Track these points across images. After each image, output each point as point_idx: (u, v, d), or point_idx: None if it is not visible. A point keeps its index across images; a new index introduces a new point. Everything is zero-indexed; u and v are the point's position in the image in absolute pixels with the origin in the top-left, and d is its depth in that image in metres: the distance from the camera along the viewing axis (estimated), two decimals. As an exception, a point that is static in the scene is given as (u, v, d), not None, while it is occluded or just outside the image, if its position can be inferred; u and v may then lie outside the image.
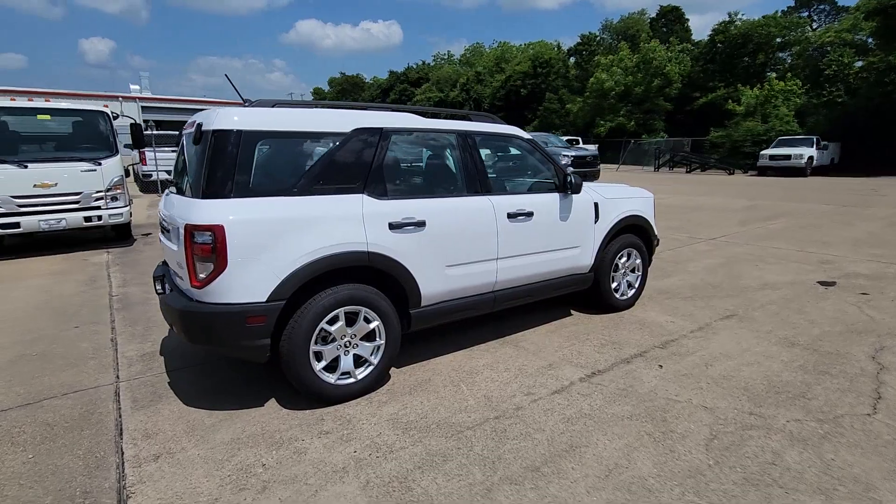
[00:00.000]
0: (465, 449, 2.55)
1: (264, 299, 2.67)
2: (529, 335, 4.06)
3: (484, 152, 3.79)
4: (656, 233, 4.83)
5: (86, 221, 7.45)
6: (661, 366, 3.49)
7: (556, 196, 3.92)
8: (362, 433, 2.71)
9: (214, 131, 2.68)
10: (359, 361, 3.07)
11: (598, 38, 43.72)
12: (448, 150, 3.53)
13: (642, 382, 3.25)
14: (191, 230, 2.58)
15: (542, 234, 3.84)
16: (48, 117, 7.44)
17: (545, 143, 16.59)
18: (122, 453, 2.55)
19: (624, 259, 4.54)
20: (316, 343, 2.86)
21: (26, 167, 6.98)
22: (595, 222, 4.22)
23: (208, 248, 2.57)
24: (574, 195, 4.05)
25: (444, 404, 3.00)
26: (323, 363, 2.91)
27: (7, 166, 6.86)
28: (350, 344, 3.01)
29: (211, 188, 2.65)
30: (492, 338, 4.00)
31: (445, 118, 3.65)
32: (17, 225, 6.94)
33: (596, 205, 4.22)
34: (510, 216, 3.61)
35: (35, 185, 7.03)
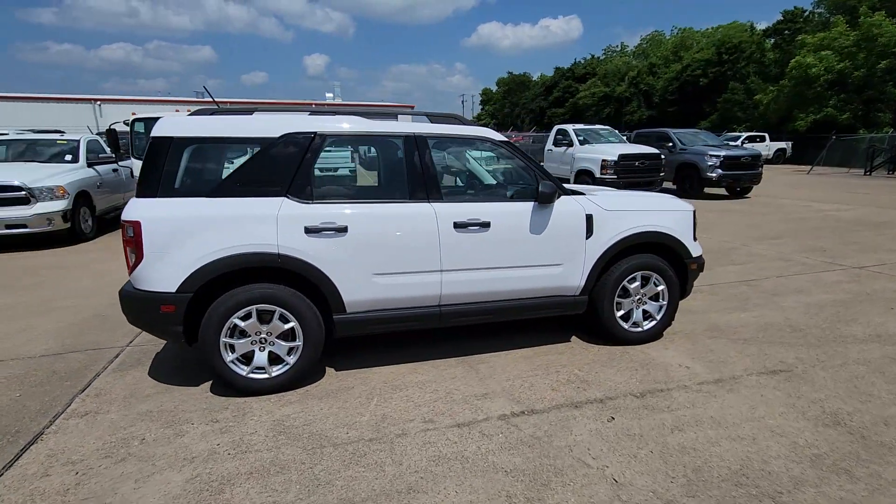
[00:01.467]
0: (307, 465, 2.47)
1: (174, 290, 2.94)
2: (496, 358, 3.68)
3: (474, 154, 3.56)
4: (695, 254, 3.92)
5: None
6: (612, 418, 2.86)
7: (527, 205, 3.46)
8: (241, 428, 2.80)
9: (152, 138, 3.03)
10: (276, 359, 3.17)
11: (808, 13, 36.27)
12: (390, 154, 3.39)
13: (568, 434, 2.71)
14: (123, 224, 2.97)
15: (504, 247, 3.43)
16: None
17: (691, 139, 14.44)
18: (69, 406, 3.08)
19: (637, 284, 3.80)
20: (228, 336, 3.04)
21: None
22: (587, 237, 3.61)
23: (132, 240, 2.93)
24: (558, 205, 3.53)
25: (338, 416, 2.93)
26: (234, 355, 3.08)
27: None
28: (266, 341, 3.13)
29: (141, 188, 3.00)
30: (453, 355, 3.73)
31: (406, 119, 3.50)
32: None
33: (589, 217, 3.60)
34: (458, 226, 3.31)
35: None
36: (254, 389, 3.14)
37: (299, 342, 3.16)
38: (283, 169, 3.11)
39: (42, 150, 9.14)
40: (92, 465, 2.49)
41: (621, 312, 3.81)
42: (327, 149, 3.23)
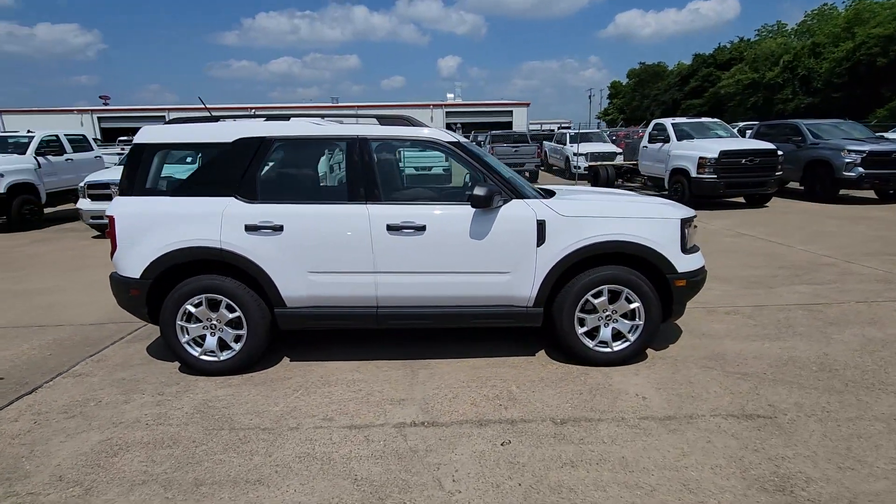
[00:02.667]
0: (195, 444, 2.69)
1: (138, 276, 3.38)
2: (442, 365, 3.58)
3: (443, 155, 3.51)
4: (682, 268, 3.39)
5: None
6: (507, 442, 2.64)
7: (468, 209, 3.29)
8: (174, 403, 3.14)
9: (132, 144, 3.51)
10: (225, 345, 3.48)
11: None
12: (333, 157, 3.46)
13: (449, 452, 2.58)
14: (108, 218, 3.49)
15: (441, 251, 3.32)
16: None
17: (828, 131, 12.07)
18: (73, 367, 3.71)
19: (603, 299, 3.40)
20: (182, 320, 3.42)
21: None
22: (539, 245, 3.32)
23: (110, 232, 3.43)
24: (506, 209, 3.32)
25: (257, 403, 3.12)
26: (187, 337, 3.44)
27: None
28: (216, 327, 3.45)
29: (121, 187, 3.49)
30: (406, 357, 3.71)
31: (353, 122, 3.56)
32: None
33: (541, 223, 3.32)
34: (391, 228, 3.28)
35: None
36: (204, 370, 3.48)
37: (244, 331, 3.42)
38: (233, 171, 3.38)
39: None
40: (49, 418, 3.00)
41: (583, 329, 3.45)
42: (276, 152, 3.43)
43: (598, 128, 33.68)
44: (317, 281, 3.37)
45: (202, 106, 4.00)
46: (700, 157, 10.70)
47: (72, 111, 45.67)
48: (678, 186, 11.31)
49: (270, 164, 3.43)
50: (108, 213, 3.44)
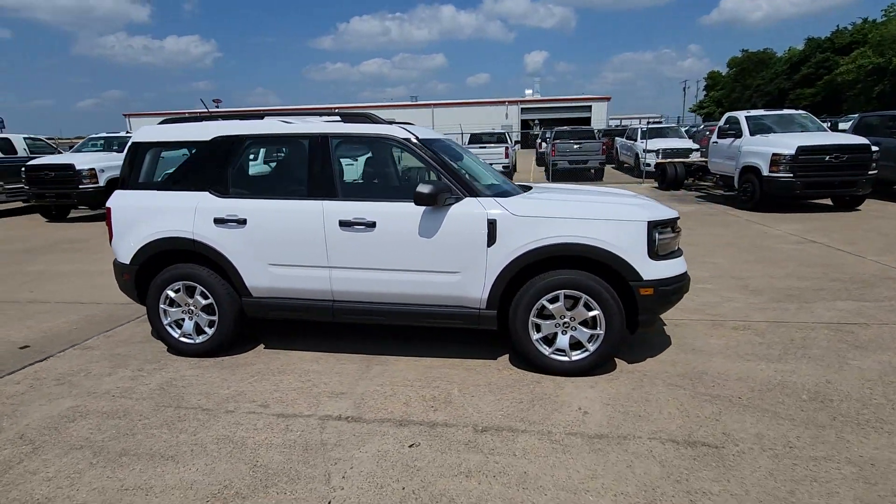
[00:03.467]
0: (140, 418, 2.94)
1: (128, 262, 3.73)
2: (397, 362, 3.58)
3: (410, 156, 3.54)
4: (649, 275, 3.10)
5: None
6: (415, 445, 2.59)
7: (416, 207, 3.24)
8: (145, 379, 3.43)
9: (129, 143, 3.87)
10: (200, 329, 3.74)
11: None
12: (297, 154, 3.56)
13: (356, 448, 2.58)
14: (106, 210, 3.88)
15: (391, 249, 3.32)
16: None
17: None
18: (86, 341, 4.19)
19: (559, 304, 3.20)
20: (164, 303, 3.73)
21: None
22: (489, 245, 3.20)
23: (108, 221, 3.82)
24: (457, 207, 3.23)
25: (212, 385, 3.33)
26: (168, 320, 3.75)
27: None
28: (192, 312, 3.72)
29: (120, 182, 3.87)
30: (365, 352, 3.76)
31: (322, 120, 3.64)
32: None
33: (492, 223, 3.19)
34: (343, 224, 3.33)
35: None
36: (182, 351, 3.77)
37: (216, 317, 3.66)
38: (209, 167, 3.62)
39: None
40: (43, 384, 3.42)
41: (539, 335, 3.28)
42: (248, 150, 3.62)
43: (693, 123, 31.33)
44: (277, 273, 3.51)
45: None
46: (774, 154, 9.59)
47: (183, 114, 50.89)
48: (748, 187, 10.25)
49: (241, 160, 3.62)
50: (107, 205, 3.84)
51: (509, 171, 17.59)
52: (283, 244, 3.46)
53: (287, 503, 2.20)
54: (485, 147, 17.41)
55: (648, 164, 16.05)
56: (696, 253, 6.59)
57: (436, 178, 3.32)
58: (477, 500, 2.18)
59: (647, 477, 2.29)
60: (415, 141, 3.41)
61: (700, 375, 3.26)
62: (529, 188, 3.98)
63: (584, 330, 3.23)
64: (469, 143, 18.69)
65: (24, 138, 14.44)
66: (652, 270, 3.14)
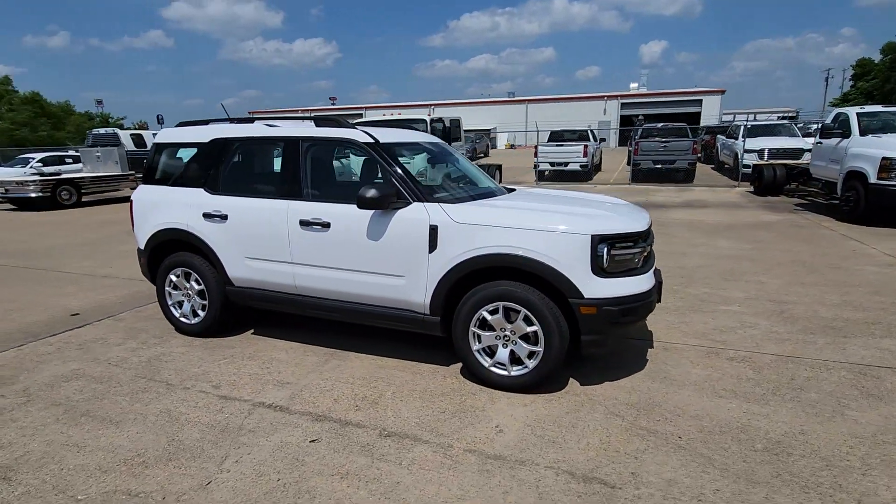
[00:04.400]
0: (113, 385, 3.37)
1: (143, 248, 4.26)
2: (357, 359, 3.70)
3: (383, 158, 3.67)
4: (591, 293, 2.87)
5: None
6: (317, 440, 2.69)
7: (366, 210, 3.30)
8: (142, 352, 3.92)
9: (153, 143, 4.39)
10: (195, 312, 4.16)
11: None
12: (274, 155, 3.78)
13: (261, 437, 2.75)
14: (130, 202, 4.45)
15: (342, 249, 3.42)
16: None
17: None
18: (120, 313, 4.85)
19: (499, 316, 3.09)
20: (168, 286, 4.21)
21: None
22: (431, 251, 3.18)
23: (130, 212, 4.38)
24: (404, 211, 3.25)
25: (189, 363, 3.70)
26: (171, 300, 4.22)
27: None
28: (189, 296, 4.16)
29: (143, 177, 4.41)
30: (337, 347, 3.92)
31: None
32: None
33: (433, 229, 3.15)
34: (302, 223, 3.51)
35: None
36: (182, 330, 4.23)
37: (206, 301, 4.06)
38: (205, 166, 4.01)
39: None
40: (68, 348, 4.04)
41: (478, 346, 3.19)
42: (237, 151, 3.94)
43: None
44: (252, 266, 3.80)
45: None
46: (884, 158, 8.16)
47: (285, 112, 55.36)
48: (851, 195, 8.82)
49: (230, 161, 3.95)
50: (131, 198, 4.40)
51: (587, 169, 16.85)
52: (256, 239, 3.73)
53: (176, 476, 2.42)
54: (562, 145, 16.83)
55: (747, 166, 14.43)
56: (746, 270, 5.88)
57: (382, 182, 3.36)
58: (336, 502, 2.23)
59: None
60: (373, 143, 3.47)
61: (652, 407, 2.95)
62: (513, 191, 3.89)
63: (524, 345, 3.08)
64: (549, 140, 18.17)
65: (153, 134, 16.85)
66: (596, 288, 2.91)
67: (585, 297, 2.90)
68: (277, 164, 3.87)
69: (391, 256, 3.31)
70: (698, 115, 36.79)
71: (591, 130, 19.63)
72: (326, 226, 3.46)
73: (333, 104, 58.67)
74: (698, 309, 4.62)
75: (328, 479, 2.39)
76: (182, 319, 4.22)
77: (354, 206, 3.42)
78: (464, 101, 45.59)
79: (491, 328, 3.16)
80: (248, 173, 4.07)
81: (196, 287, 4.08)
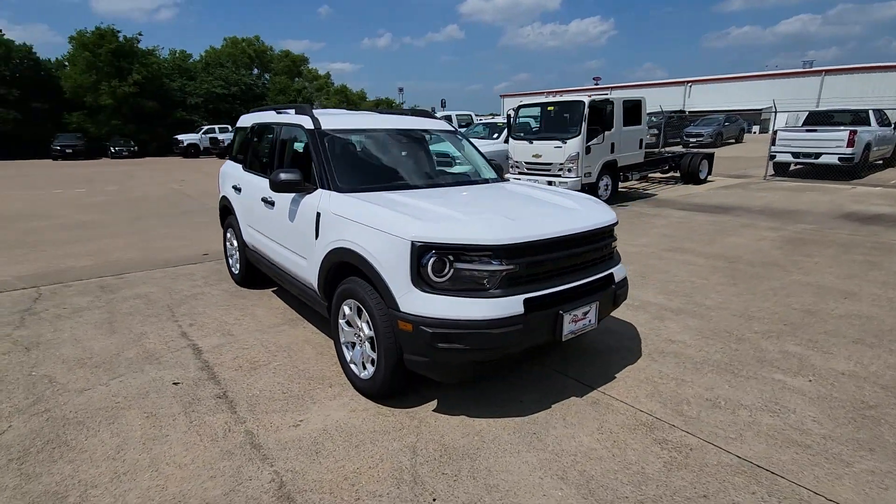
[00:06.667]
0: (124, 315, 4.51)
1: (218, 210, 5.41)
2: (303, 330, 4.00)
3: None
4: (407, 308, 2.50)
5: (549, 185, 10.09)
6: (178, 384, 3.16)
7: (281, 193, 3.49)
8: (173, 291, 5.07)
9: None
10: (236, 266, 5.11)
11: None
12: (269, 139, 4.25)
13: (138, 373, 3.37)
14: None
15: (279, 226, 3.74)
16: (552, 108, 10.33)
17: None
18: (202, 284, 6.26)
19: (352, 313, 2.95)
20: (226, 242, 5.27)
21: (532, 143, 10.33)
22: (316, 238, 3.20)
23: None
24: (309, 197, 3.35)
25: (208, 299, 4.63)
26: (228, 254, 5.28)
27: (522, 142, 10.49)
28: (233, 254, 5.12)
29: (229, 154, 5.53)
30: (303, 315, 4.30)
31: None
32: (518, 180, 10.65)
33: (318, 216, 3.17)
34: (262, 200, 3.95)
35: (532, 155, 10.34)
36: (232, 275, 5.26)
37: (237, 256, 4.96)
38: (243, 147, 4.82)
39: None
40: (167, 277, 5.51)
41: (344, 339, 3.11)
42: (259, 134, 4.61)
43: None
44: (249, 231, 4.48)
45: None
46: None
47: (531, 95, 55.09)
48: None
49: (252, 142, 4.65)
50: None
51: (853, 164, 12.45)
52: (248, 210, 4.38)
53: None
54: (815, 130, 12.82)
55: None
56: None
57: (287, 168, 3.48)
58: (111, 420, 2.66)
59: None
60: (312, 130, 3.59)
61: (458, 468, 2.42)
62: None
63: (368, 350, 2.88)
64: (803, 123, 14.05)
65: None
66: (414, 302, 2.50)
67: (401, 309, 2.54)
68: (269, 145, 4.40)
69: (299, 238, 3.47)
70: None
71: (879, 111, 14.22)
72: (272, 204, 3.83)
73: (597, 84, 56.42)
74: None
75: (135, 412, 2.84)
76: (231, 269, 5.25)
77: (295, 189, 3.69)
78: (730, 76, 37.95)
79: (350, 324, 3.05)
80: (257, 153, 4.70)
81: (235, 244, 5.01)
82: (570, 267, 2.78)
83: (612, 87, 44.79)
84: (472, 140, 4.48)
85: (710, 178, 13.38)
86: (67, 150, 28.22)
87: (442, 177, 3.85)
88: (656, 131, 18.37)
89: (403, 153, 3.89)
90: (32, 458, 2.45)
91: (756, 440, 2.54)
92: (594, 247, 2.91)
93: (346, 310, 3.01)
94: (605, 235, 3.00)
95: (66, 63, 32.92)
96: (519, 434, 2.61)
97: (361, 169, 3.62)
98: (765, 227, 7.66)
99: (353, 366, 3.07)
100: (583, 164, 9.75)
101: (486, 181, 3.95)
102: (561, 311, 2.66)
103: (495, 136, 12.63)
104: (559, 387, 3.09)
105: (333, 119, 3.78)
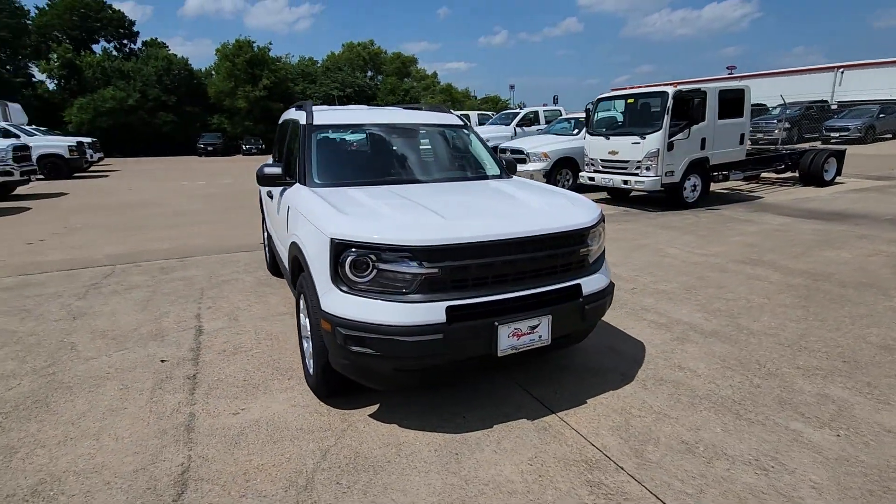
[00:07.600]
0: (145, 286, 4.95)
1: (261, 202, 5.78)
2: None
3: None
4: (329, 307, 2.42)
5: (623, 184, 9.29)
6: (165, 361, 3.41)
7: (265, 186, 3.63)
8: (199, 264, 5.47)
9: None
10: (271, 254, 5.42)
11: None
12: (286, 134, 4.39)
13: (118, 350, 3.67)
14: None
15: (274, 218, 3.91)
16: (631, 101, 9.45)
17: None
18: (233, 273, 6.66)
19: (305, 306, 2.94)
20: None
21: (608, 139, 9.60)
22: (287, 230, 3.26)
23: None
24: (289, 191, 3.41)
25: (241, 283, 4.97)
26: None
27: (599, 137, 9.77)
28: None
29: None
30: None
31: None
32: (592, 179, 9.94)
33: (288, 210, 3.21)
34: (268, 193, 4.11)
35: (609, 152, 9.60)
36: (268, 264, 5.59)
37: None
38: (279, 141, 5.07)
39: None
40: (206, 262, 6.02)
41: (303, 333, 3.11)
42: (285, 129, 4.80)
43: None
44: (267, 223, 4.69)
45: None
46: None
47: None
48: None
49: (280, 138, 4.86)
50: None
51: None
52: (265, 202, 4.59)
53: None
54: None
55: None
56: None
57: (278, 163, 3.55)
58: (91, 380, 2.94)
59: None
60: (304, 125, 3.65)
61: (358, 474, 2.27)
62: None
63: (311, 347, 2.84)
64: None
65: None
66: (333, 302, 2.40)
67: (322, 308, 2.46)
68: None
69: (282, 231, 3.55)
70: None
71: None
72: (272, 197, 3.97)
73: (731, 73, 50.53)
74: None
75: (115, 383, 3.11)
76: (266, 258, 5.59)
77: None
78: (890, 59, 31.34)
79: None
80: (278, 149, 4.87)
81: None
82: (514, 274, 2.48)
83: (745, 76, 39.93)
84: (480, 135, 4.24)
85: (838, 179, 11.33)
86: (209, 148, 32.46)
87: (427, 173, 3.68)
88: (787, 125, 16.16)
89: (393, 148, 3.79)
90: (15, 415, 2.79)
91: (717, 503, 2.05)
92: (549, 253, 2.56)
93: (302, 303, 3.02)
94: (567, 240, 2.62)
95: (213, 72, 37.78)
96: (439, 453, 2.40)
97: (341, 164, 3.61)
98: (886, 241, 6.27)
99: (308, 360, 3.06)
100: (664, 162, 8.80)
101: (484, 178, 3.72)
102: (497, 323, 2.38)
103: (576, 131, 11.92)
104: (514, 405, 2.78)
105: (328, 115, 3.81)
